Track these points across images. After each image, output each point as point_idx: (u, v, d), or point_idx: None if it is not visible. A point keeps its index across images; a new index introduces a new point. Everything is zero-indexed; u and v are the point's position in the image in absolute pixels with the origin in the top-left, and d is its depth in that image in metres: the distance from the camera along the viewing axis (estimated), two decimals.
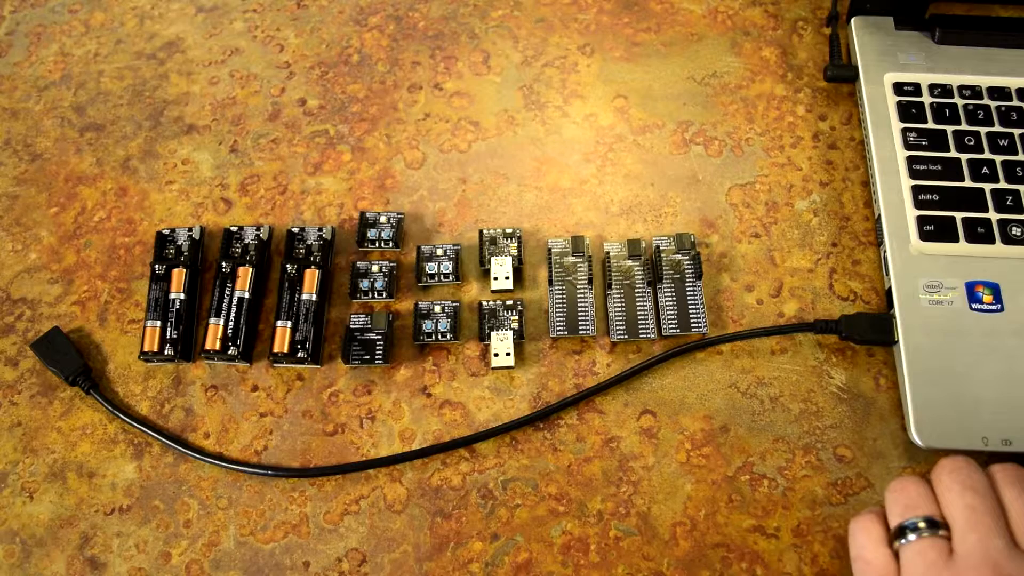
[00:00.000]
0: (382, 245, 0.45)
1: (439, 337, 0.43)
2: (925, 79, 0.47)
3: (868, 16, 0.50)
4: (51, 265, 0.47)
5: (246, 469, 0.41)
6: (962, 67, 0.47)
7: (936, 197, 0.44)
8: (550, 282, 0.44)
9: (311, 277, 0.44)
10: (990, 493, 0.32)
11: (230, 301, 0.43)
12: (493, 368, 0.42)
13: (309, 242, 0.45)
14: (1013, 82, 0.47)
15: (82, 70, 0.52)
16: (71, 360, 0.43)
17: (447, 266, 0.44)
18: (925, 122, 0.46)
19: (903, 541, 0.32)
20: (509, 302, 0.43)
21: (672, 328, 0.42)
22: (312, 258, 0.45)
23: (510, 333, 0.42)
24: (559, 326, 0.43)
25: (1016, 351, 0.40)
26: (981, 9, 0.51)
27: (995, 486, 0.33)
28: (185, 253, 0.45)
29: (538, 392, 0.42)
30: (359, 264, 0.45)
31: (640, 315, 0.43)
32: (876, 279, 0.44)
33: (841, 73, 0.48)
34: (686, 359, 0.43)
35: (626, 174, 0.47)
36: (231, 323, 0.43)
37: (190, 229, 0.46)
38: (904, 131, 0.46)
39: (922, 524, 0.32)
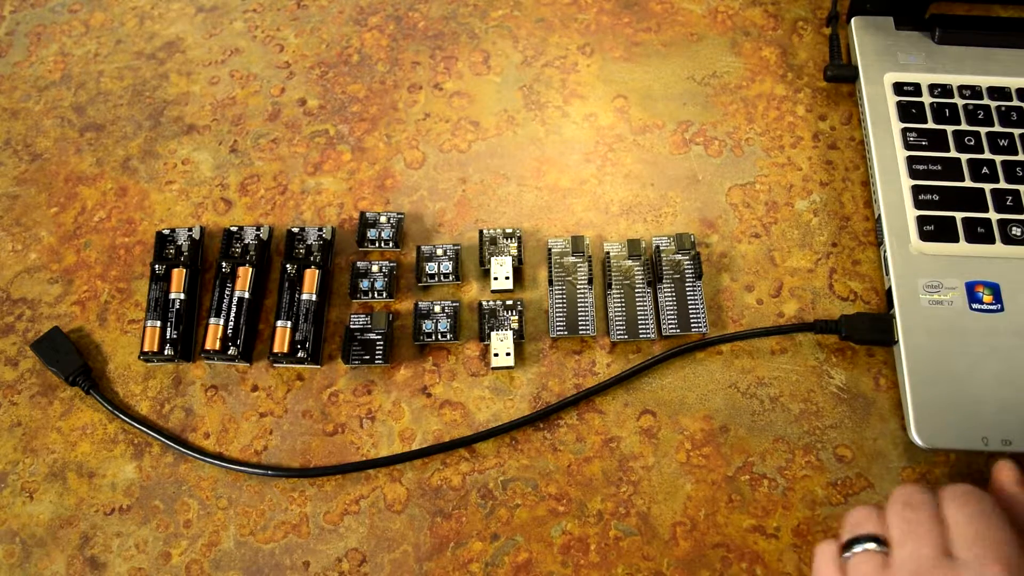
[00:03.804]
0: (382, 245, 0.45)
1: (439, 337, 0.43)
2: (925, 79, 0.47)
3: (868, 16, 0.50)
4: (51, 265, 0.47)
5: (246, 469, 0.41)
6: (962, 67, 0.47)
7: (936, 197, 0.44)
8: (550, 282, 0.44)
9: (311, 277, 0.44)
10: (929, 508, 0.33)
11: (230, 301, 0.44)
12: (493, 368, 0.42)
13: (309, 242, 0.45)
14: (1013, 82, 0.47)
15: (82, 70, 0.52)
16: (71, 360, 0.43)
17: (447, 266, 0.44)
18: (925, 122, 0.46)
19: (845, 555, 0.33)
20: (509, 302, 0.43)
21: (672, 328, 0.42)
22: (312, 258, 0.45)
23: (510, 333, 0.42)
24: (559, 326, 0.43)
25: (1016, 351, 0.40)
26: (981, 9, 0.51)
27: (940, 503, 0.33)
28: (185, 253, 0.45)
29: (538, 392, 0.42)
30: (359, 264, 0.45)
31: (640, 315, 0.43)
32: (876, 279, 0.44)
33: (841, 73, 0.48)
34: (686, 359, 0.43)
35: (626, 174, 0.48)
36: (231, 323, 0.43)
37: (190, 229, 0.46)
38: (904, 131, 0.46)
39: (863, 539, 0.33)
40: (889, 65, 0.48)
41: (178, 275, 0.44)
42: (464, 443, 0.41)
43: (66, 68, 0.52)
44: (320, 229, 0.45)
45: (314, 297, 0.43)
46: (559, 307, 0.43)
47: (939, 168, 0.44)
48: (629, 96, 0.50)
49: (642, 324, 0.43)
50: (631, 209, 0.46)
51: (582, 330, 0.42)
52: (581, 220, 0.46)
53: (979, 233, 0.43)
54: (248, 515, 0.40)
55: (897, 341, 0.41)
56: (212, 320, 0.43)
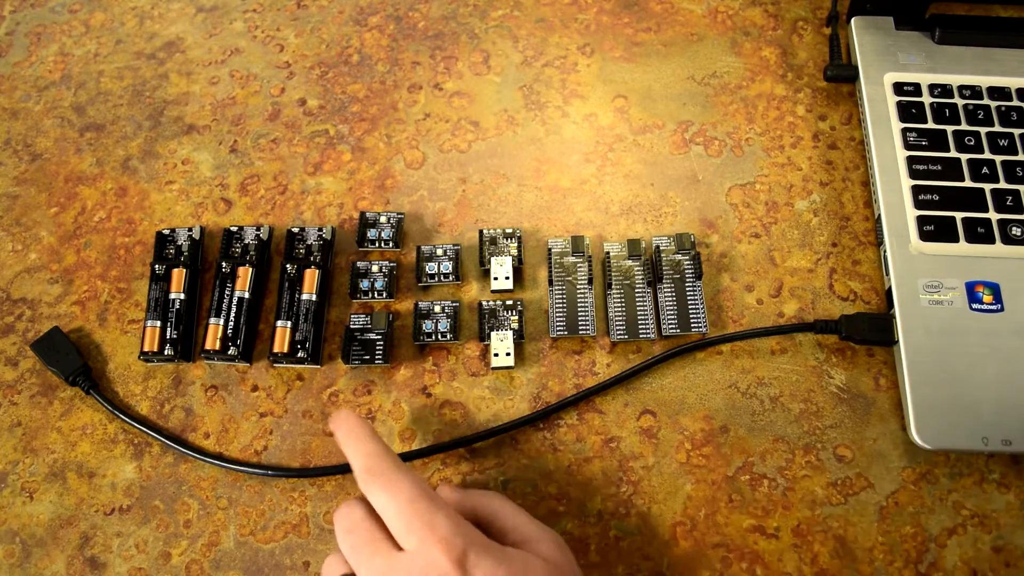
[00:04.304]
0: (382, 245, 0.45)
1: (439, 337, 0.43)
2: (925, 79, 0.47)
3: (868, 16, 0.50)
4: (51, 265, 0.47)
5: (246, 469, 0.41)
6: (962, 67, 0.47)
7: (936, 197, 0.44)
8: (550, 282, 0.44)
9: (311, 277, 0.44)
10: (364, 520, 0.33)
11: (230, 301, 0.44)
12: (493, 368, 0.42)
13: (309, 242, 0.45)
14: (1013, 82, 0.47)
15: (82, 70, 0.52)
16: (71, 360, 0.43)
17: (447, 266, 0.44)
18: (925, 122, 0.46)
19: None
20: (509, 302, 0.43)
21: (672, 328, 0.42)
22: (312, 258, 0.45)
23: (510, 333, 0.42)
24: (559, 326, 0.43)
25: (1016, 351, 0.40)
26: (981, 9, 0.51)
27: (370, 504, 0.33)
28: (185, 253, 0.45)
29: (538, 392, 0.42)
30: (359, 264, 0.45)
31: (640, 315, 0.43)
32: (876, 279, 0.44)
33: (841, 73, 0.48)
34: (686, 359, 0.43)
35: (626, 174, 0.47)
36: (231, 323, 0.43)
37: (190, 229, 0.46)
38: (904, 131, 0.46)
39: None
40: (889, 65, 0.48)
41: (178, 275, 0.44)
42: (464, 443, 0.41)
43: (66, 68, 0.52)
44: (320, 229, 0.45)
45: (314, 297, 0.43)
46: (559, 307, 0.43)
47: (939, 168, 0.44)
48: (629, 96, 0.50)
49: (642, 324, 0.43)
50: (631, 209, 0.46)
51: (582, 330, 0.42)
52: (581, 220, 0.46)
53: (979, 233, 0.43)
54: (248, 515, 0.40)
55: (897, 341, 0.41)
56: (212, 320, 0.43)
